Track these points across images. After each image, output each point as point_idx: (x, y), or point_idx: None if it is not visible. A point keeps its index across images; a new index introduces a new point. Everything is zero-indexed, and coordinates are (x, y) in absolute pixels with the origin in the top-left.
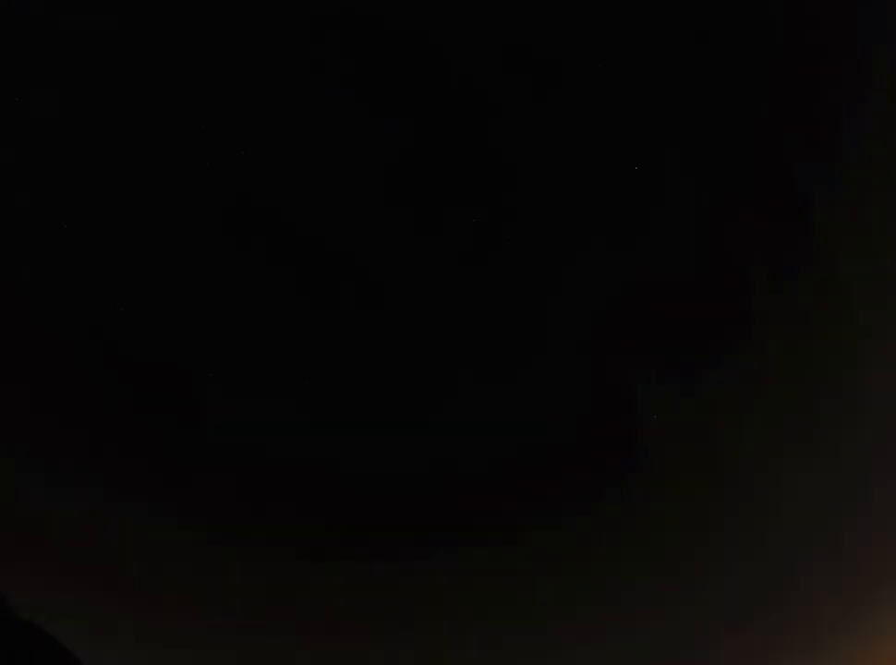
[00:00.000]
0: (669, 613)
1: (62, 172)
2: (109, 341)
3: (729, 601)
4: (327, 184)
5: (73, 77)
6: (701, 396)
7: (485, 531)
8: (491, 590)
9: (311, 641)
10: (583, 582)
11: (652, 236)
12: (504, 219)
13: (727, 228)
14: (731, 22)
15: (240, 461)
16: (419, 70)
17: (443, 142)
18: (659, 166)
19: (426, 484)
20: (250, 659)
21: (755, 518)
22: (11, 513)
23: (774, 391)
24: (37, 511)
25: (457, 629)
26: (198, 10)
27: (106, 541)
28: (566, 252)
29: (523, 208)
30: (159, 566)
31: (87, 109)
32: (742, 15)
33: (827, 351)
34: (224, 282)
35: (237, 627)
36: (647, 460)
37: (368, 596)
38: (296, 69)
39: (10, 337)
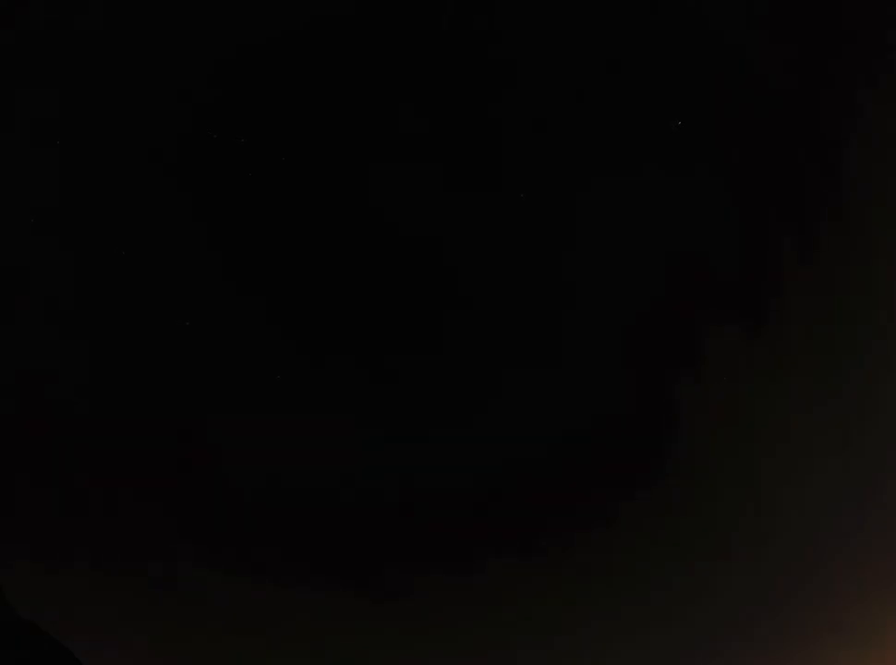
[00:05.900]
0: (668, 615)
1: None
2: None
3: (729, 603)
4: None
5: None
6: (712, 395)
7: (490, 539)
8: (499, 592)
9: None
10: (584, 584)
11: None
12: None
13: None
14: None
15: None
16: None
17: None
18: (690, 139)
19: (451, 489)
20: (250, 660)
21: (755, 519)
22: (12, 514)
23: (782, 388)
24: (38, 511)
25: (462, 632)
26: None
27: (107, 542)
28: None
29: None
30: (159, 568)
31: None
32: None
33: (847, 349)
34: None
35: (236, 628)
36: (650, 462)
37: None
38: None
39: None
